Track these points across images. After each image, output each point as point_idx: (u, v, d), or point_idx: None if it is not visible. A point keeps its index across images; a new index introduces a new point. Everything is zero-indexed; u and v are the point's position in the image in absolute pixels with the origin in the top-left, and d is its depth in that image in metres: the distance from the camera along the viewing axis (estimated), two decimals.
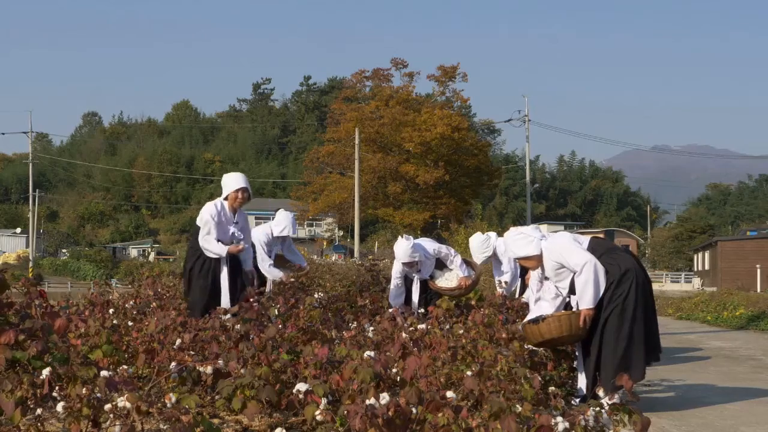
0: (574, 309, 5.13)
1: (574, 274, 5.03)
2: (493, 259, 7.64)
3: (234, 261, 6.63)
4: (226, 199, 6.65)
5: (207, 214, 6.55)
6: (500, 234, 7.93)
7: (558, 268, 5.08)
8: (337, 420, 3.27)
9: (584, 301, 4.96)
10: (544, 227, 64.54)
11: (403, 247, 7.05)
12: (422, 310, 6.70)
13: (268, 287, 7.15)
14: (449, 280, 7.24)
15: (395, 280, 7.27)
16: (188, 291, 6.55)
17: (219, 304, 6.26)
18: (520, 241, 5.25)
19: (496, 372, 4.10)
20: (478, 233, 7.70)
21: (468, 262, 7.50)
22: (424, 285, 7.34)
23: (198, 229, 6.62)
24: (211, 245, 6.48)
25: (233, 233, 6.61)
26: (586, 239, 5.27)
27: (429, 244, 7.38)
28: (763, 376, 7.23)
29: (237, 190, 6.59)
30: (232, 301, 6.36)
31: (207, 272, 6.50)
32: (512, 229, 5.55)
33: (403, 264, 7.14)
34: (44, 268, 53.28)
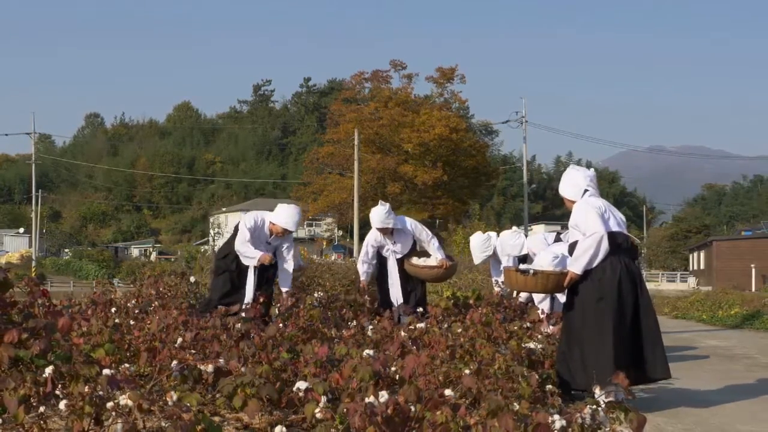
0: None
1: (572, 233, 5.18)
2: (492, 259, 7.67)
3: (262, 273, 6.78)
4: (272, 222, 6.76)
5: (246, 224, 6.72)
6: (500, 234, 7.98)
7: (574, 225, 5.21)
8: (337, 418, 3.28)
9: (576, 265, 5.05)
10: (540, 227, 64.75)
11: (377, 212, 7.05)
12: (410, 309, 6.72)
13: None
14: (428, 260, 7.24)
15: (366, 247, 7.30)
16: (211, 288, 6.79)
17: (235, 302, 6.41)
18: (570, 180, 5.39)
19: (494, 370, 4.13)
20: (479, 233, 7.73)
21: (448, 256, 7.55)
22: (405, 277, 7.29)
23: (236, 231, 6.84)
24: (247, 250, 6.62)
25: (263, 250, 6.76)
26: (616, 227, 5.23)
27: (408, 220, 7.40)
28: (758, 374, 7.27)
29: (283, 231, 6.71)
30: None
31: (233, 273, 6.68)
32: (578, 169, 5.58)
33: (378, 230, 7.15)
34: (47, 268, 53.38)
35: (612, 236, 5.13)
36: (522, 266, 5.53)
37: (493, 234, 7.77)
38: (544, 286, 5.19)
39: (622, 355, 5.01)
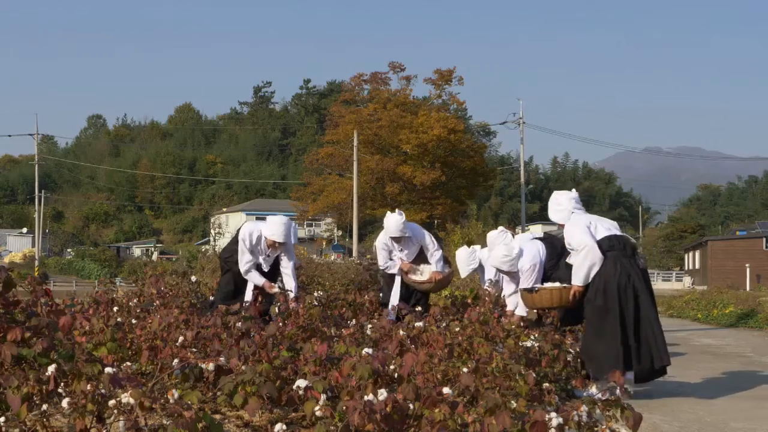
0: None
1: (571, 252, 5.60)
2: (479, 272, 7.85)
3: (269, 275, 6.89)
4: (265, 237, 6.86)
5: (242, 238, 6.83)
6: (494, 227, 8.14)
7: (568, 245, 5.67)
8: (336, 415, 3.28)
9: (576, 278, 5.48)
10: (537, 227, 64.90)
11: (395, 221, 7.16)
12: (416, 308, 6.81)
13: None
14: (422, 273, 7.36)
15: (381, 251, 7.39)
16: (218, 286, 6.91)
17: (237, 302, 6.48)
18: (556, 206, 5.86)
19: (491, 369, 4.15)
20: (464, 247, 7.90)
21: (446, 260, 7.65)
22: (407, 285, 7.41)
23: (236, 237, 7.01)
24: (252, 275, 6.81)
25: (260, 265, 6.85)
26: (606, 232, 5.62)
27: (418, 227, 7.55)
28: (752, 372, 7.33)
29: (273, 242, 6.79)
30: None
31: (233, 272, 6.79)
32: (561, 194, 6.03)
33: (392, 238, 7.25)
34: (50, 267, 53.52)
35: (603, 241, 5.51)
36: (528, 285, 6.06)
37: (477, 247, 7.95)
38: (550, 300, 5.64)
39: (622, 350, 5.32)
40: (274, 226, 6.77)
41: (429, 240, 7.45)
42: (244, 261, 6.78)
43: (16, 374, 3.25)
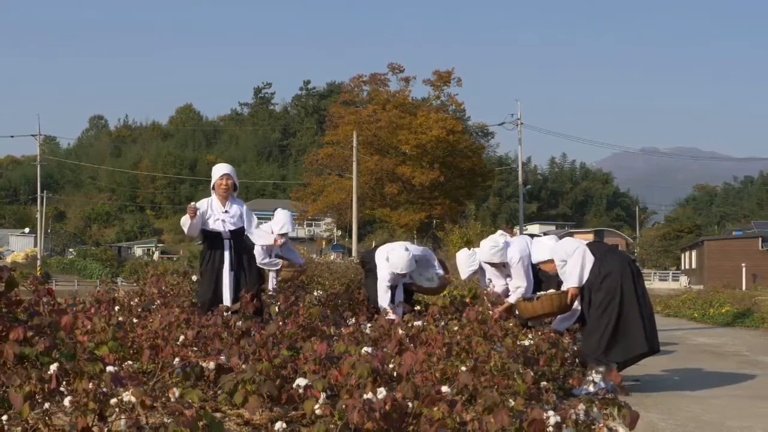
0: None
1: (563, 262, 5.80)
2: (479, 274, 7.89)
3: (238, 257, 6.82)
4: (214, 189, 6.87)
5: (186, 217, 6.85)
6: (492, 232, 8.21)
7: (561, 262, 5.83)
8: (336, 414, 3.30)
9: (571, 280, 5.70)
10: (535, 227, 64.50)
11: (404, 259, 7.13)
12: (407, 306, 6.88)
13: (271, 285, 7.28)
14: (431, 280, 7.50)
15: (386, 291, 7.24)
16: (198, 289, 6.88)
17: (221, 301, 6.44)
18: (540, 248, 6.15)
19: (489, 367, 4.17)
20: (464, 249, 7.91)
21: (441, 262, 7.75)
22: (405, 291, 7.48)
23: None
24: (185, 222, 6.79)
25: (224, 221, 6.81)
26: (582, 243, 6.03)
27: (414, 249, 7.59)
28: (748, 371, 7.36)
29: (221, 177, 6.82)
30: (233, 297, 6.56)
31: (211, 270, 6.72)
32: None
33: (398, 273, 7.23)
34: (52, 267, 53.52)
35: (590, 245, 5.82)
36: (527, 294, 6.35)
37: (477, 249, 7.96)
38: (551, 306, 5.80)
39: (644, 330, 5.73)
40: (216, 167, 6.93)
41: (423, 252, 7.59)
42: (186, 226, 6.72)
43: (19, 373, 3.26)
